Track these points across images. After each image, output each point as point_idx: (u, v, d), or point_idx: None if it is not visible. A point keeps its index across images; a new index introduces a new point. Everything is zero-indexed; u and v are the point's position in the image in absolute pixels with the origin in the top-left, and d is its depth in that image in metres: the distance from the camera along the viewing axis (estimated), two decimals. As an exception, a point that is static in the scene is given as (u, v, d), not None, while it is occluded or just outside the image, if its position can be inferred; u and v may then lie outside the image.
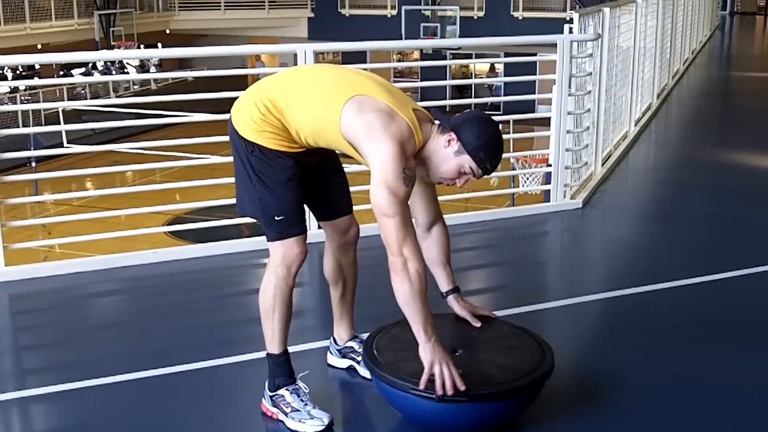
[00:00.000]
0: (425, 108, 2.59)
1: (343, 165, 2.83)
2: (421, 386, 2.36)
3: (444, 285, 2.73)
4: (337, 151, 2.69)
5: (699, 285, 3.86)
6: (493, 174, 2.60)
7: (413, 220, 2.66)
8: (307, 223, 2.64)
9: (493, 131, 2.45)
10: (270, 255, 2.58)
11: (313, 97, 2.49)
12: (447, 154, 2.44)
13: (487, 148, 2.43)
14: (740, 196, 5.72)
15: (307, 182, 2.62)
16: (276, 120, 2.48)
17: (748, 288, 3.89)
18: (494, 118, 2.63)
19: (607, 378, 2.92)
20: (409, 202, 2.67)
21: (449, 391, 2.32)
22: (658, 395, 2.80)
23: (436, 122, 2.50)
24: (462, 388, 2.33)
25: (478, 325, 2.71)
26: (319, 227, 2.88)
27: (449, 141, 2.44)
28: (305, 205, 2.67)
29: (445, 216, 2.77)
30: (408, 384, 2.39)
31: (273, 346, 2.62)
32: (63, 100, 20.60)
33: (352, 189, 2.81)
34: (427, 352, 2.38)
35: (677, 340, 3.27)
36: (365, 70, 2.77)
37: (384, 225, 2.38)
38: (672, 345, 3.23)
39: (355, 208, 2.81)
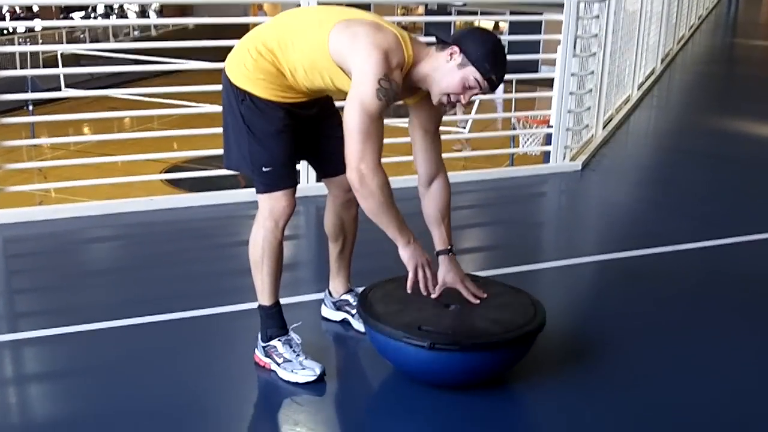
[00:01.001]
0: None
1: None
2: (408, 289, 2.45)
3: (437, 244, 2.67)
4: (334, 97, 2.65)
5: (694, 251, 3.88)
6: (493, 133, 2.57)
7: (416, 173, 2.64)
8: (304, 177, 2.61)
9: (495, 40, 2.38)
10: (258, 207, 2.56)
11: (304, 30, 2.44)
12: (450, 67, 2.36)
13: (491, 57, 2.35)
14: (741, 164, 5.71)
15: (303, 137, 2.58)
16: (269, 65, 2.44)
17: (743, 255, 3.90)
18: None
19: (598, 338, 2.93)
20: (412, 153, 2.64)
21: (434, 294, 2.46)
22: (647, 356, 2.83)
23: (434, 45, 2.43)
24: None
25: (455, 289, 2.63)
26: (318, 180, 2.85)
27: (451, 54, 2.36)
28: (306, 162, 2.63)
29: (442, 174, 2.73)
30: (400, 332, 2.40)
31: (264, 298, 2.62)
32: (62, 44, 20.38)
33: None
34: (407, 254, 2.44)
35: (669, 304, 3.29)
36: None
37: (347, 139, 2.32)
38: (664, 308, 3.25)
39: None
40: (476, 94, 2.40)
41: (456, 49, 2.35)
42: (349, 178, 2.33)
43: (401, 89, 2.38)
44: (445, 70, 2.36)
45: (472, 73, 2.34)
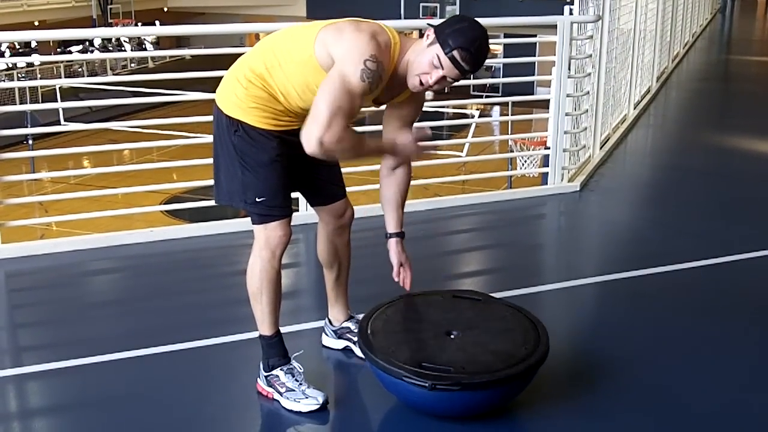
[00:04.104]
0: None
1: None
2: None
3: (391, 227, 2.66)
4: None
5: (695, 269, 3.87)
6: (491, 156, 2.57)
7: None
8: (303, 204, 2.62)
9: (469, 21, 2.34)
10: (254, 238, 2.57)
11: (289, 49, 2.43)
12: (422, 46, 2.35)
13: (457, 34, 2.28)
14: (739, 181, 5.71)
15: (296, 167, 2.58)
16: (260, 90, 2.44)
17: (747, 272, 3.89)
18: (492, 100, 2.59)
19: (601, 360, 2.92)
20: (384, 130, 2.61)
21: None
22: (651, 377, 2.81)
23: None
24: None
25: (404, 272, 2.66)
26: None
27: (427, 35, 2.35)
28: (299, 193, 2.61)
29: (442, 198, 2.75)
30: (401, 371, 2.39)
31: (264, 328, 2.62)
32: (60, 78, 20.51)
33: (343, 170, 2.79)
34: (400, 149, 2.50)
35: (672, 324, 3.28)
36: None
37: (315, 108, 2.27)
38: (666, 328, 3.24)
39: (348, 189, 2.80)
40: (444, 78, 2.32)
41: (431, 30, 2.35)
42: (306, 148, 2.28)
43: (391, 89, 2.39)
44: (419, 50, 2.36)
45: (436, 51, 2.31)
